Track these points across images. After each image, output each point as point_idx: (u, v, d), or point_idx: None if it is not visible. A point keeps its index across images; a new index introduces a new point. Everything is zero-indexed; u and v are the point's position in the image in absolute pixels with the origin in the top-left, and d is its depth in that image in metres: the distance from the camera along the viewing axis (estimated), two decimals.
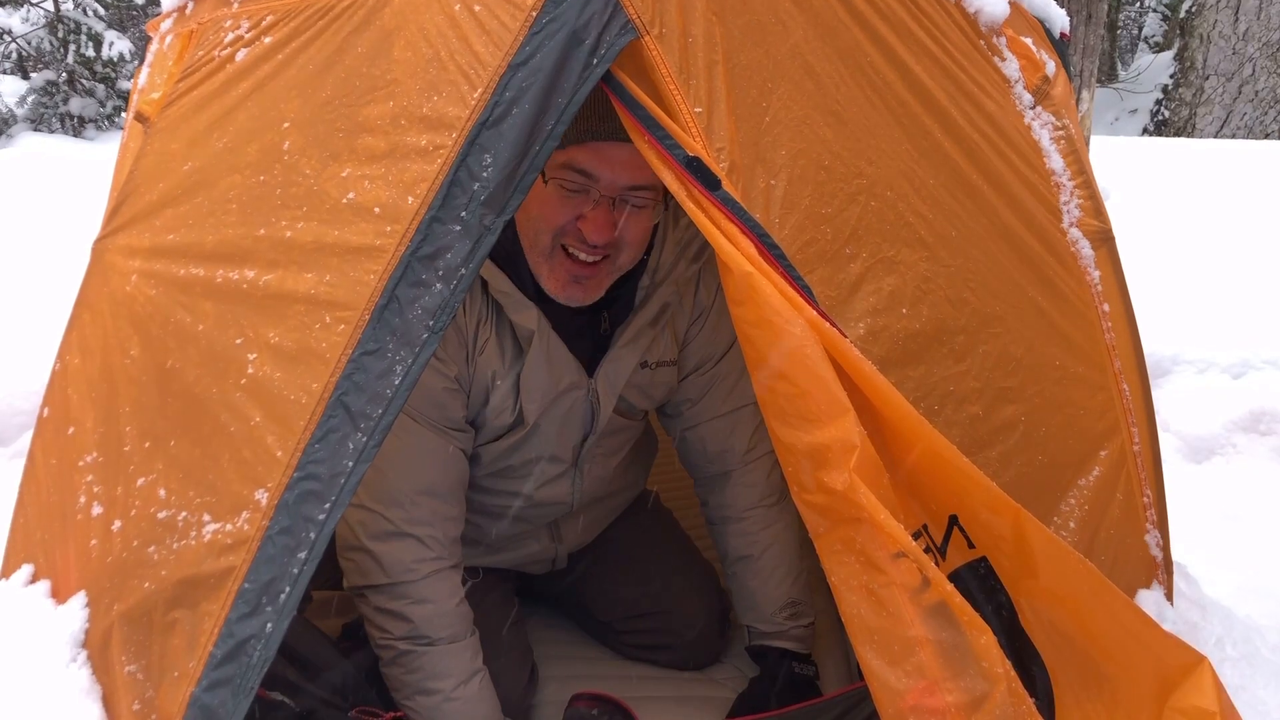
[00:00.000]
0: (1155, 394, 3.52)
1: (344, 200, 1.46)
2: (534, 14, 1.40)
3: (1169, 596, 1.94)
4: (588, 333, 1.95)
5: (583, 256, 1.77)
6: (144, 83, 2.15)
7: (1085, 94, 5.10)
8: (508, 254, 1.83)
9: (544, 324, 1.87)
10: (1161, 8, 16.41)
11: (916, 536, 1.48)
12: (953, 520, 1.49)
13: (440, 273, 1.38)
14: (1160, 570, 1.93)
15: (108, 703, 1.52)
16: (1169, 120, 10.75)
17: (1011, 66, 1.88)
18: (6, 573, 1.86)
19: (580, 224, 1.73)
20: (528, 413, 1.95)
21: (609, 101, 1.51)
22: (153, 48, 2.17)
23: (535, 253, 1.81)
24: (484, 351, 1.87)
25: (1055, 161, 1.88)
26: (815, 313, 1.42)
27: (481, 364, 1.88)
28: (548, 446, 2.03)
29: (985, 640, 1.34)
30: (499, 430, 1.98)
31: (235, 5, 1.80)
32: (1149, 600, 1.83)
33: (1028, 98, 1.89)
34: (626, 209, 1.74)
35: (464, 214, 1.38)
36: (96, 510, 1.62)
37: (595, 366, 1.97)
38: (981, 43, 1.83)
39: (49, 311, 3.25)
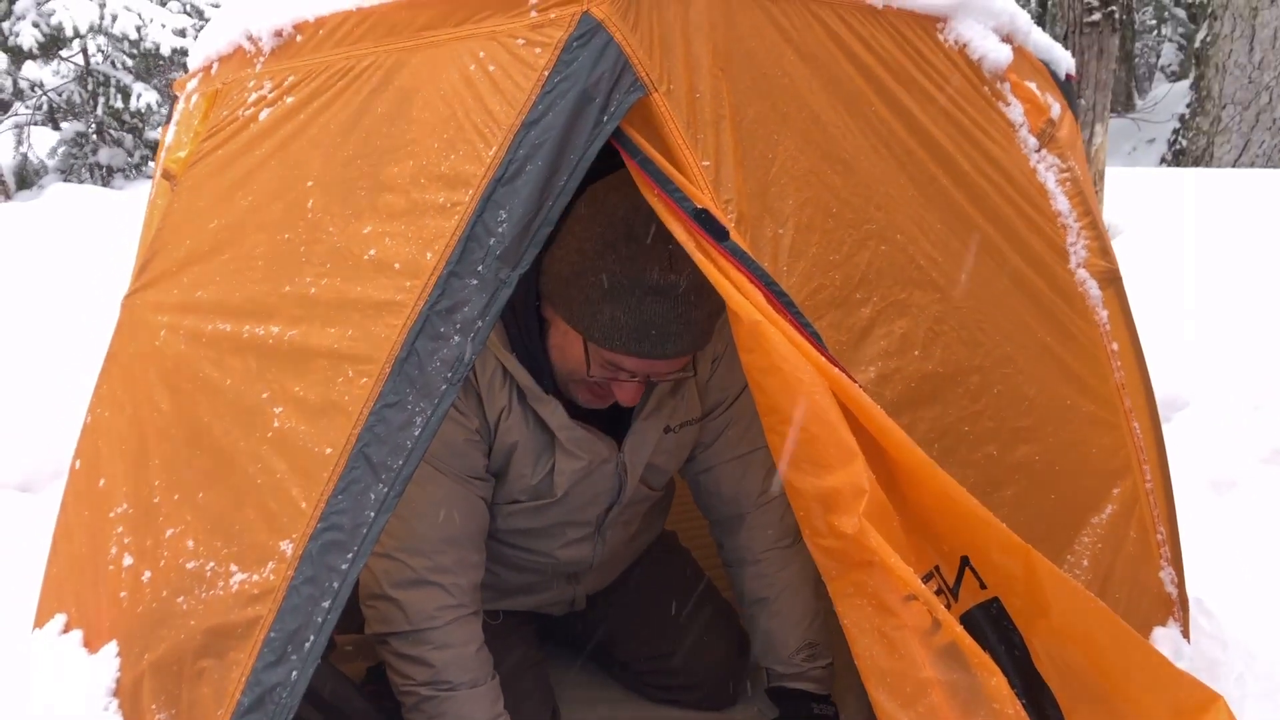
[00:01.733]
0: (1174, 427, 3.52)
1: (365, 257, 1.50)
2: (546, 73, 1.45)
3: (1185, 634, 1.94)
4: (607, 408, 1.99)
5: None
6: (170, 141, 2.21)
7: (1099, 128, 5.13)
8: (527, 350, 1.87)
9: (563, 415, 1.91)
10: (1177, 37, 16.44)
11: (929, 578, 1.50)
12: (964, 561, 1.51)
13: (458, 325, 1.42)
14: (1176, 607, 1.93)
15: None
16: (1187, 150, 10.73)
17: (1016, 111, 1.91)
18: (40, 622, 1.90)
19: (614, 386, 1.82)
20: (557, 486, 1.99)
21: (663, 328, 1.65)
22: (179, 107, 2.23)
23: (564, 378, 1.88)
24: (508, 418, 1.90)
25: (1061, 203, 1.91)
26: (824, 358, 1.45)
27: (503, 431, 1.91)
28: (573, 514, 2.07)
29: (996, 682, 1.36)
30: (521, 494, 2.01)
31: (258, 66, 1.85)
32: (1165, 638, 1.84)
33: (1033, 141, 1.92)
34: (661, 378, 1.85)
35: (480, 268, 1.42)
36: (127, 561, 1.66)
37: (618, 434, 2.01)
38: (985, 89, 1.86)
39: (78, 360, 3.32)
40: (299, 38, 1.76)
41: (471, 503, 1.94)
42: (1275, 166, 9.58)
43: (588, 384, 1.85)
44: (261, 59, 1.85)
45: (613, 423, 2.00)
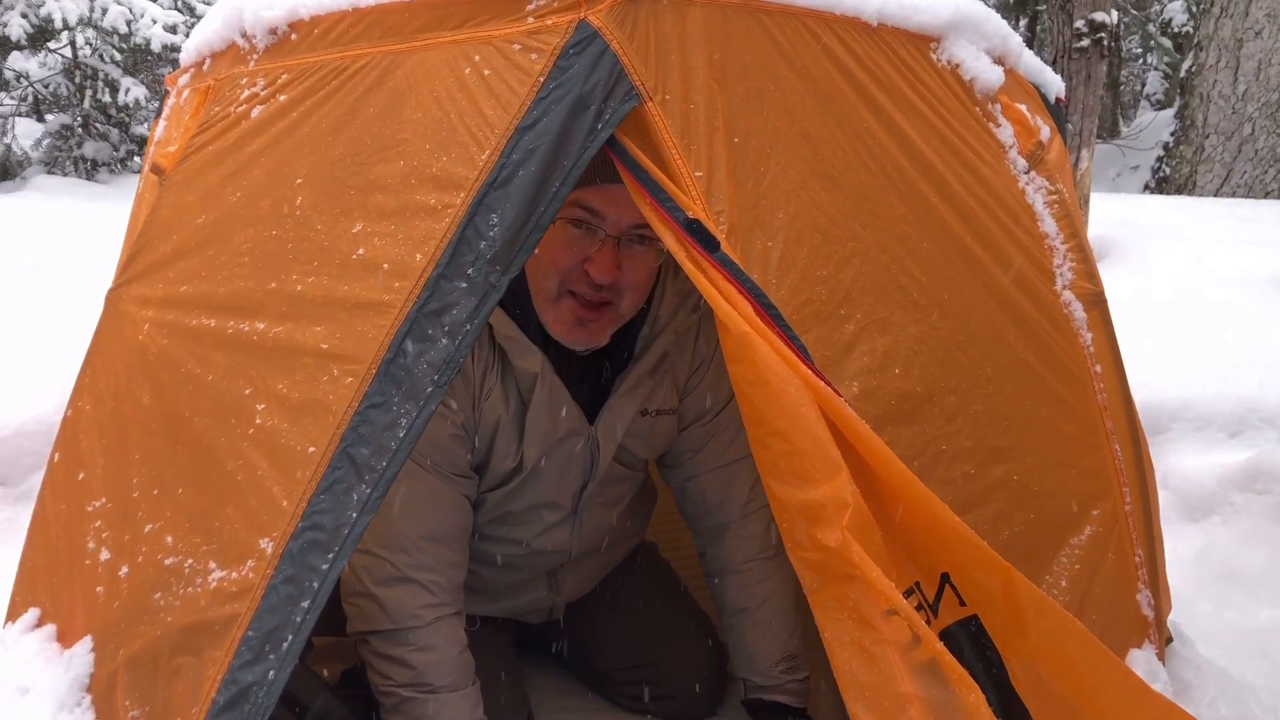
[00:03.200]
0: (1154, 451, 3.53)
1: (354, 256, 1.50)
2: (541, 79, 1.45)
3: (1161, 656, 1.95)
4: (589, 380, 2.00)
5: (588, 296, 1.82)
6: (160, 136, 2.20)
7: (1085, 153, 5.17)
8: (515, 299, 1.88)
9: (547, 367, 1.91)
10: (1163, 66, 16.59)
11: (909, 594, 1.50)
12: (944, 578, 1.52)
13: (446, 328, 1.42)
14: (1152, 630, 1.94)
15: None
16: (1170, 177, 10.83)
17: (1006, 132, 1.92)
18: (13, 616, 1.88)
19: (586, 265, 1.78)
20: (528, 457, 1.98)
21: None
22: (170, 102, 2.22)
23: (541, 297, 1.86)
24: (489, 398, 1.91)
25: (1048, 225, 1.92)
26: (810, 372, 1.45)
27: (486, 410, 1.92)
28: (548, 493, 2.06)
29: (974, 698, 1.36)
30: (501, 476, 2.01)
31: (251, 63, 1.85)
32: (1140, 660, 1.84)
33: (1022, 163, 1.93)
34: (631, 248, 1.80)
35: (470, 271, 1.42)
36: (104, 556, 1.65)
37: (596, 414, 2.01)
38: (977, 109, 1.87)
39: (57, 354, 3.29)
40: (294, 36, 1.76)
41: (454, 500, 1.94)
42: (1257, 196, 9.67)
43: (565, 293, 1.81)
44: (255, 56, 1.84)
45: (590, 401, 2.00)
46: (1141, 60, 19.14)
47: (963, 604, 1.52)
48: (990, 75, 1.89)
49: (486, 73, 1.50)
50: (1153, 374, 3.98)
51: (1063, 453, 1.83)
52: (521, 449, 1.97)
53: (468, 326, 1.42)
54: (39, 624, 1.79)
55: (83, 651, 1.62)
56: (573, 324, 1.86)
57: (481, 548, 2.10)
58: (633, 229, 1.78)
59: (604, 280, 1.79)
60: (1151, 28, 15.58)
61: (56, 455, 1.92)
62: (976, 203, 1.78)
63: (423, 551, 1.88)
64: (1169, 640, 2.06)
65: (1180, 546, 2.95)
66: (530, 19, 1.49)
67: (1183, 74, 11.04)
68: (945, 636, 1.48)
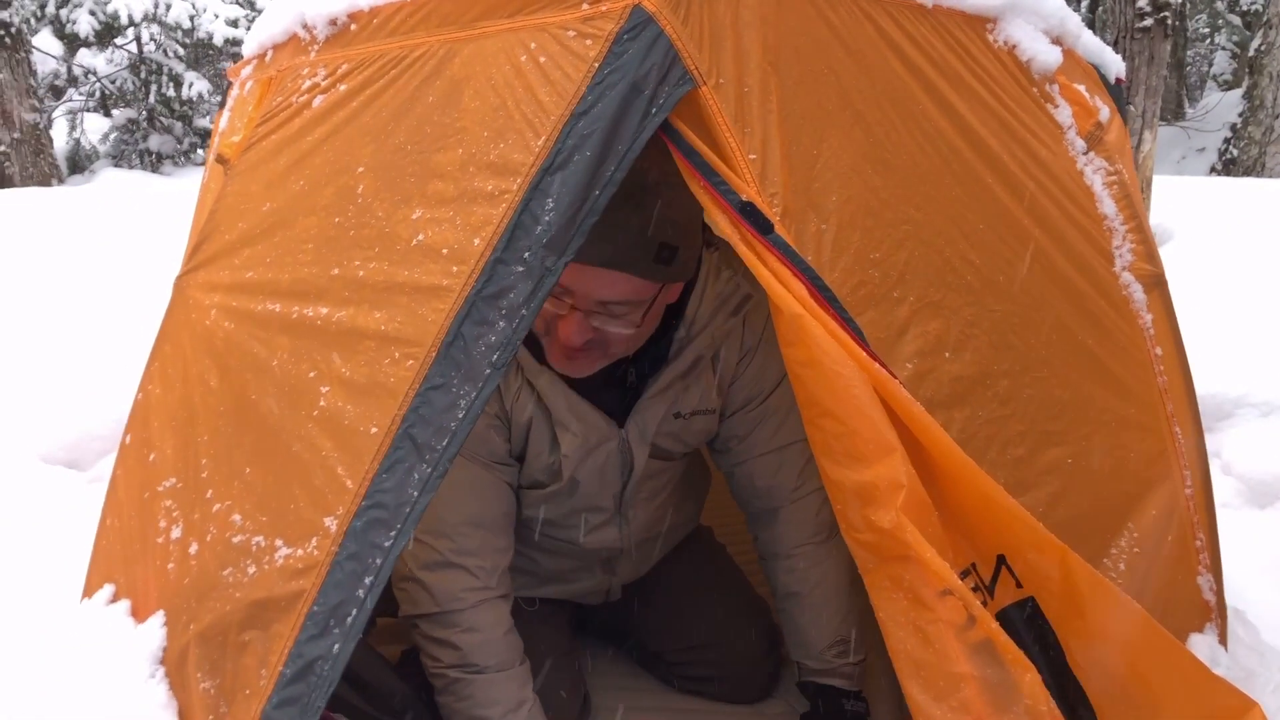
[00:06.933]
0: (1218, 437, 3.48)
1: (414, 242, 1.53)
2: (596, 65, 1.46)
3: (1222, 641, 1.92)
4: (614, 384, 2.00)
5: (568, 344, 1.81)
6: (225, 126, 2.25)
7: (1148, 134, 5.08)
8: None
9: (559, 386, 1.93)
10: (1231, 45, 16.18)
11: (965, 575, 1.50)
12: (1000, 560, 1.51)
13: (504, 311, 1.44)
14: (1214, 614, 1.92)
15: (184, 717, 1.58)
16: (1237, 159, 10.56)
17: (1064, 113, 1.90)
18: (89, 592, 1.94)
19: (559, 322, 1.78)
20: (564, 470, 2.01)
21: (596, 226, 1.48)
22: (233, 93, 2.27)
23: (541, 336, 1.87)
24: (518, 399, 1.95)
25: (1108, 206, 1.90)
26: (865, 353, 1.45)
27: (517, 409, 1.96)
28: (589, 499, 2.09)
29: (1030, 678, 1.36)
30: (539, 478, 2.04)
31: (312, 54, 1.88)
32: (1201, 644, 1.82)
33: (1080, 143, 1.91)
34: (603, 319, 1.78)
35: (527, 255, 1.44)
36: (175, 533, 1.70)
37: (624, 415, 2.02)
38: (1034, 90, 1.85)
39: (125, 341, 3.38)
40: (353, 27, 1.79)
41: (495, 487, 1.97)
42: None
43: (549, 332, 1.81)
44: (316, 47, 1.87)
45: (620, 403, 2.02)
46: (1209, 39, 18.65)
47: (1019, 586, 1.52)
48: (1048, 55, 1.86)
49: (542, 60, 1.51)
50: (1219, 359, 3.91)
51: (1121, 436, 1.81)
52: (558, 458, 2.00)
53: (524, 310, 1.44)
54: (114, 599, 1.85)
55: (155, 626, 1.67)
56: (561, 358, 1.86)
57: (536, 539, 2.13)
58: (600, 306, 1.76)
59: (572, 345, 1.78)
60: (1219, 5, 15.19)
61: (128, 438, 1.97)
62: (1034, 184, 1.77)
63: (466, 537, 1.92)
64: None
65: (1245, 533, 2.90)
66: (585, 5, 1.50)
67: (1251, 53, 10.75)
68: (1001, 618, 1.48)
